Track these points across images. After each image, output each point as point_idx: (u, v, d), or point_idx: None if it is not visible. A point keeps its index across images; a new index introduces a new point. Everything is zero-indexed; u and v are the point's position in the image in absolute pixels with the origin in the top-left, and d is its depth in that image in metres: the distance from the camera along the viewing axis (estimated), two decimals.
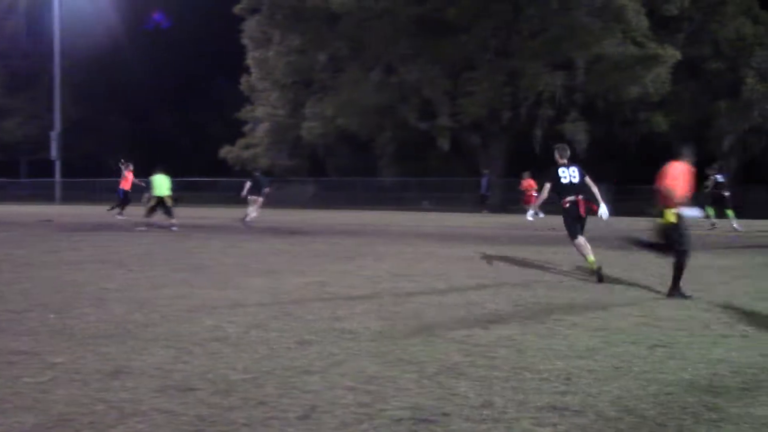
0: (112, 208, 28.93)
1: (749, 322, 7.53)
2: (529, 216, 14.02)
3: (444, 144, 44.69)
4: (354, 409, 4.50)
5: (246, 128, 53.90)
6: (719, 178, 24.40)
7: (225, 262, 12.94)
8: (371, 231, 22.33)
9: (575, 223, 11.21)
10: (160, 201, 22.30)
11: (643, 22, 40.11)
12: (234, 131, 53.97)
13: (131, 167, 28.37)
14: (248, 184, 24.30)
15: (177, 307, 8.06)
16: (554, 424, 4.27)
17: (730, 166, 39.61)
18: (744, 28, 44.19)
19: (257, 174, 25.57)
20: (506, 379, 5.21)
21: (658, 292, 9.62)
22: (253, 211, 23.91)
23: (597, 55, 40.87)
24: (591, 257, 10.96)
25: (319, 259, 13.42)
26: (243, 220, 23.57)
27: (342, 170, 52.39)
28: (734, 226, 23.63)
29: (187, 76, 60.87)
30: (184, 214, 25.35)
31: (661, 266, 11.90)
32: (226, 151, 52.90)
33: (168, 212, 22.07)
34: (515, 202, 34.96)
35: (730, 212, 24.38)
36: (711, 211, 24.24)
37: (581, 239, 11.14)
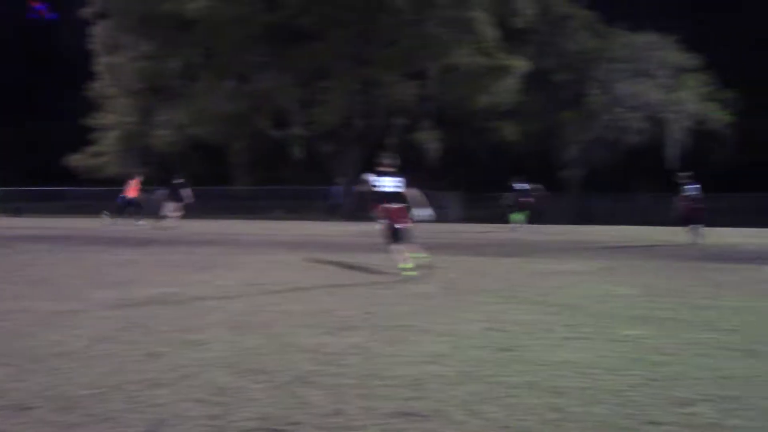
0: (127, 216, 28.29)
1: (590, 325, 7.83)
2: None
3: (298, 153, 44.63)
4: (203, 421, 4.44)
5: (94, 136, 52.28)
6: (525, 186, 25.89)
7: (71, 273, 12.49)
8: (224, 240, 22.05)
9: (391, 230, 11.64)
10: None
11: (493, 34, 41.22)
12: (82, 139, 52.27)
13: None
14: (165, 192, 24.16)
15: (15, 322, 7.72)
16: (403, 430, 4.33)
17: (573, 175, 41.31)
18: (587, 41, 46.12)
19: (178, 181, 25.39)
20: (356, 387, 5.24)
21: (502, 297, 9.89)
22: (169, 217, 23.66)
23: (449, 65, 41.74)
24: (405, 264, 11.34)
25: (170, 270, 13.15)
26: (156, 226, 23.39)
27: (195, 179, 51.51)
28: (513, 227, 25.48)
29: (27, 84, 58.69)
30: (28, 224, 24.41)
31: (509, 272, 12.30)
32: (75, 160, 51.19)
33: None
34: (369, 211, 35.28)
35: (521, 216, 26.04)
36: (519, 217, 25.85)
37: (398, 246, 11.53)
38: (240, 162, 49.58)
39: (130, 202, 28.63)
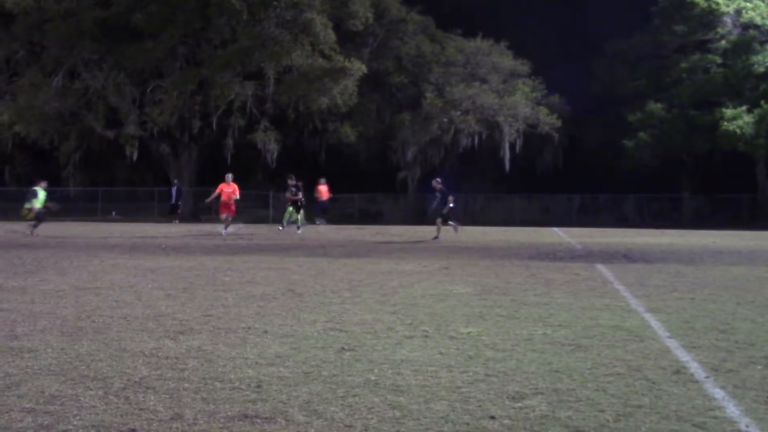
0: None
1: (429, 323, 7.97)
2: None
3: (132, 153, 43.43)
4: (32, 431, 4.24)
5: None
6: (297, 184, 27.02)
7: None
8: (54, 244, 21.18)
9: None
10: None
11: (331, 36, 41.45)
12: None
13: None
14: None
15: None
16: None
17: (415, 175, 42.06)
18: (423, 45, 47.08)
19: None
20: (196, 391, 5.14)
21: (345, 297, 9.94)
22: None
23: (287, 67, 41.63)
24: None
25: None
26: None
27: (22, 179, 49.39)
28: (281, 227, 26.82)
29: None
30: None
31: (350, 272, 12.37)
32: None
33: None
34: (206, 212, 34.86)
35: (296, 214, 27.33)
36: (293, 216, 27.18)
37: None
38: (71, 162, 47.74)
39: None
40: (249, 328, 7.60)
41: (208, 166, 44.77)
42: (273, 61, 41.16)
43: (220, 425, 4.40)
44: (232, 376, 5.56)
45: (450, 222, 24.55)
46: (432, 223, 24.62)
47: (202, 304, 9.21)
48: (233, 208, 25.58)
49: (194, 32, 41.68)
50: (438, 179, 24.34)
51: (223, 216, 25.47)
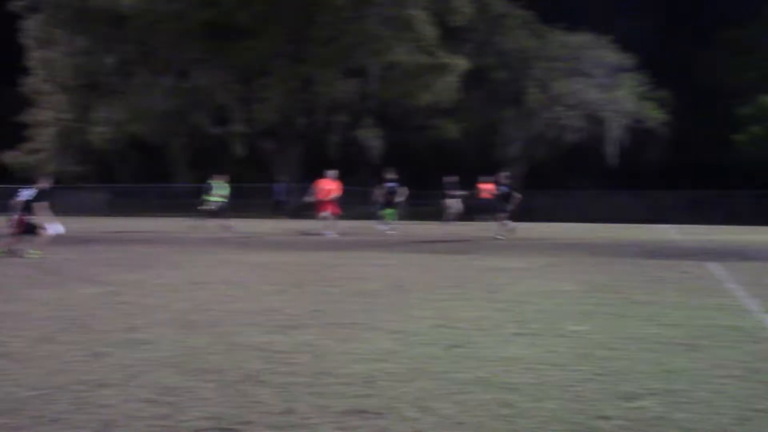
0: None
1: (538, 321, 7.89)
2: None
3: (238, 150, 44.32)
4: (152, 421, 4.36)
5: (29, 133, 51.26)
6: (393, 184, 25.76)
7: (7, 273, 12.24)
8: (166, 239, 21.79)
9: None
10: None
11: (433, 32, 41.41)
12: (16, 136, 51.21)
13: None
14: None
15: None
16: (356, 428, 4.31)
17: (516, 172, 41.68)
18: (526, 40, 46.61)
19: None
20: (307, 385, 5.20)
21: (453, 294, 9.93)
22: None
23: (389, 63, 41.80)
24: None
25: (111, 269, 12.93)
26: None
27: (134, 176, 50.95)
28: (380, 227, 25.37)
29: None
30: None
31: (457, 269, 12.37)
32: (9, 157, 50.17)
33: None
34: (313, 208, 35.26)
35: (390, 212, 25.95)
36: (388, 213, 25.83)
37: None
38: (180, 159, 49.06)
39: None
40: (358, 323, 7.65)
41: (312, 163, 45.32)
42: (376, 57, 41.42)
43: (332, 419, 4.45)
44: (343, 371, 5.61)
45: (503, 222, 23.05)
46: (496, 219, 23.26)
47: (311, 300, 9.32)
48: (334, 206, 24.02)
49: (298, 30, 42.23)
50: (505, 173, 23.40)
51: (324, 214, 24.03)
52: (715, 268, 13.87)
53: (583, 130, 44.87)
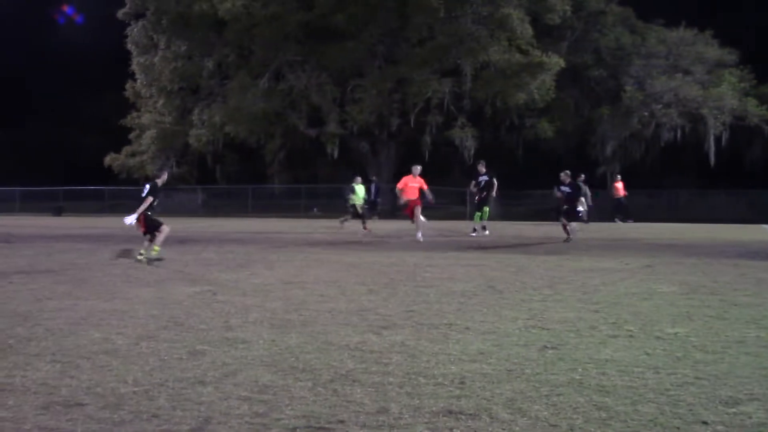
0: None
1: (633, 323, 7.76)
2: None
3: (333, 151, 44.76)
4: (249, 419, 4.45)
5: (131, 135, 52.83)
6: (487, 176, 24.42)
7: (112, 272, 12.61)
8: (261, 239, 22.14)
9: None
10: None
11: (528, 31, 41.08)
12: (119, 139, 52.87)
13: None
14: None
15: (62, 320, 7.81)
16: (450, 428, 4.31)
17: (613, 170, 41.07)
18: (623, 37, 45.82)
19: None
20: (400, 385, 5.23)
21: (546, 295, 9.84)
22: None
23: (484, 62, 41.61)
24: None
25: (209, 268, 13.21)
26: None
27: (231, 177, 51.95)
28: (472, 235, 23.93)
29: (65, 86, 59.45)
30: (67, 224, 24.67)
31: (550, 269, 12.25)
32: (111, 159, 51.78)
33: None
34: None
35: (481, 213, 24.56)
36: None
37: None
38: (276, 160, 49.83)
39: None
40: (451, 324, 7.65)
41: (406, 164, 45.44)
42: (470, 57, 41.27)
43: (425, 420, 4.46)
44: (436, 372, 5.62)
45: (570, 223, 21.43)
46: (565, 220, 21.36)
47: (404, 300, 9.35)
48: (418, 204, 21.85)
49: (392, 31, 42.42)
50: (567, 172, 22.06)
51: (415, 213, 22.01)
52: None
53: (681, 128, 43.82)
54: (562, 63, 40.81)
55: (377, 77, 42.40)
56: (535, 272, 12.54)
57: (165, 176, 15.90)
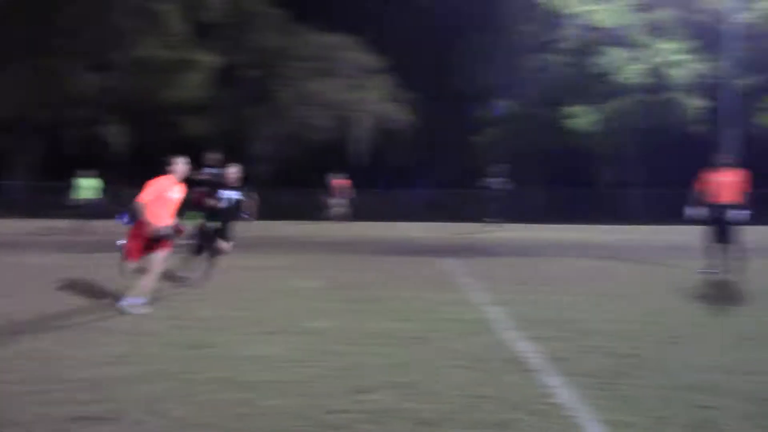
0: None
1: (279, 319, 8.00)
2: None
3: None
4: None
5: None
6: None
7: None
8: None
9: None
10: None
11: (183, 28, 40.70)
12: None
13: None
14: None
15: None
16: None
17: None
18: (278, 39, 46.89)
19: None
20: (29, 393, 5.03)
21: (189, 293, 9.82)
22: None
23: (136, 58, 40.66)
24: None
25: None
26: None
27: None
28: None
29: None
30: None
31: (196, 269, 12.21)
32: None
33: None
34: (47, 206, 33.63)
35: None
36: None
37: None
38: None
39: None
40: (86, 324, 7.40)
41: (52, 159, 43.30)
42: (121, 51, 40.08)
43: (54, 428, 4.32)
44: (68, 377, 5.48)
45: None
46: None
47: (40, 304, 8.87)
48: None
49: (39, 20, 40.11)
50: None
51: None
52: (450, 264, 14.47)
53: (332, 130, 45.56)
54: (216, 61, 40.89)
55: (19, 68, 39.88)
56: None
57: None
